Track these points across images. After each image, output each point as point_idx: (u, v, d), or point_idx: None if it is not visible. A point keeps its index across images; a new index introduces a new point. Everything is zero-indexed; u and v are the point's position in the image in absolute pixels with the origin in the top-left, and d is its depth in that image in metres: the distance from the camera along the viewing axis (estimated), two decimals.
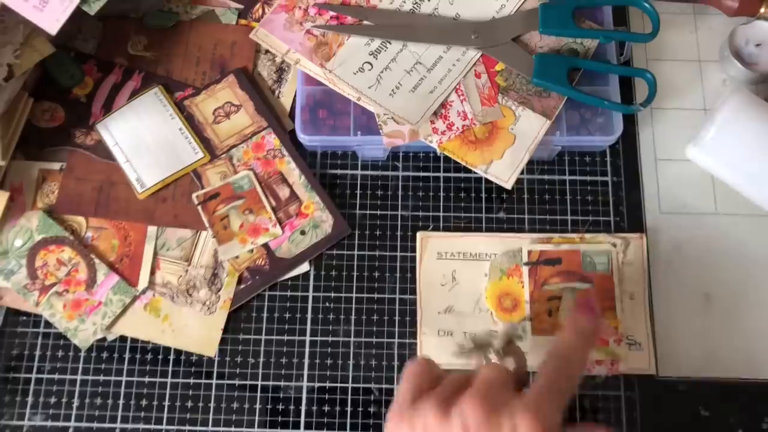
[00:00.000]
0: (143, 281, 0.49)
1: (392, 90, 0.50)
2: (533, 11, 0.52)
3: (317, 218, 0.50)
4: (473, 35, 0.51)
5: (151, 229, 0.50)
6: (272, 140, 0.52)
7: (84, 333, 0.48)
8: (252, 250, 0.50)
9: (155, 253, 0.50)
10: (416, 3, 0.53)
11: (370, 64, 0.51)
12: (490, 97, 0.50)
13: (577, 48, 0.51)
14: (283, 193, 0.51)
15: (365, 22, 0.52)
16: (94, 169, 0.51)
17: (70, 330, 0.48)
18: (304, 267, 0.50)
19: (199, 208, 0.50)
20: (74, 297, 0.48)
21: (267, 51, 0.54)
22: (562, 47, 0.52)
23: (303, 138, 0.51)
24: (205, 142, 0.52)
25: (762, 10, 0.53)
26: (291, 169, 0.51)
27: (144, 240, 0.50)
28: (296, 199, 0.51)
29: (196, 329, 0.48)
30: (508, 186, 0.49)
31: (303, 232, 0.50)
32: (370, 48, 0.51)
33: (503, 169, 0.49)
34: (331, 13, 0.52)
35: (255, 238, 0.50)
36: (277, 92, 0.54)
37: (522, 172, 0.50)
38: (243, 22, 0.55)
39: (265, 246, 0.50)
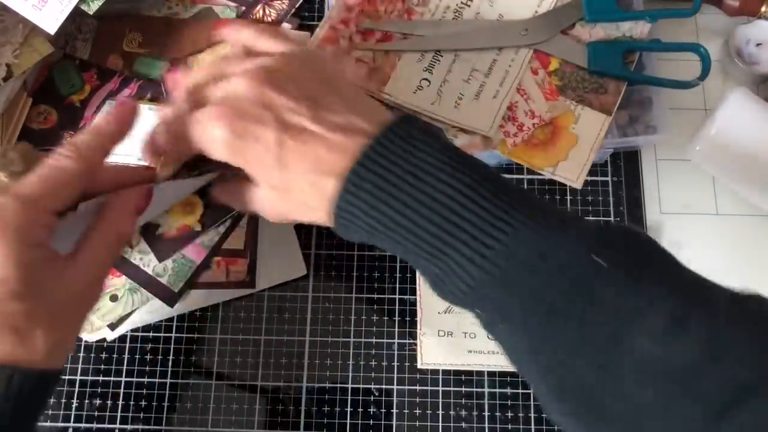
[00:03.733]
0: None
1: (455, 102, 0.49)
2: (576, 2, 0.51)
3: None
4: (522, 32, 0.50)
5: None
6: None
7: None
8: None
9: None
10: (457, 11, 0.52)
11: (428, 80, 0.49)
12: (552, 91, 0.50)
13: (627, 38, 0.51)
14: None
15: (414, 36, 0.50)
16: None
17: None
18: (302, 270, 0.50)
19: None
20: None
21: None
22: (613, 40, 0.51)
23: None
24: None
25: (763, 9, 0.53)
26: None
27: None
28: None
29: None
30: (578, 186, 0.48)
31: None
32: (423, 64, 0.50)
33: (570, 169, 0.48)
34: (377, 36, 0.51)
35: None
36: None
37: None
38: None
39: None
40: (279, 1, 0.55)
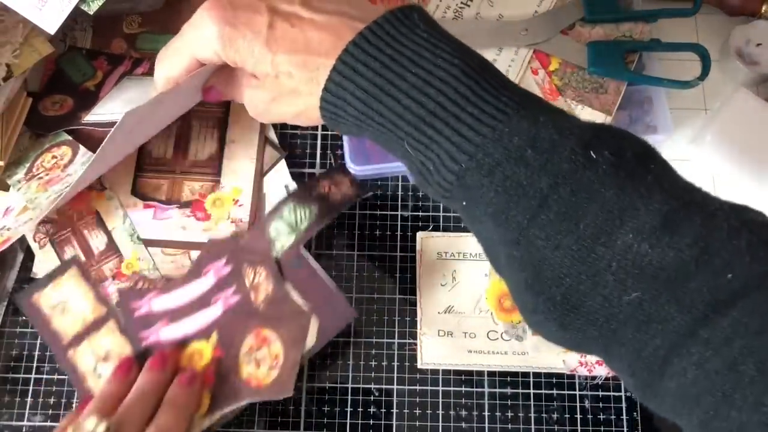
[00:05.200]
0: None
1: None
2: (575, 1, 0.51)
3: None
4: (522, 32, 0.50)
5: None
6: None
7: (40, 200, 0.47)
8: None
9: None
10: (457, 11, 0.52)
11: None
12: (552, 91, 0.50)
13: (627, 38, 0.51)
14: None
15: None
16: (95, 132, 0.51)
17: (30, 199, 0.47)
18: None
19: None
20: (50, 177, 0.48)
21: None
22: (613, 40, 0.51)
23: (354, 169, 0.50)
24: None
25: (763, 9, 0.53)
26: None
27: None
28: None
29: None
30: None
31: None
32: None
33: None
34: None
35: None
36: None
37: None
38: None
39: None
40: None
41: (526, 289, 0.31)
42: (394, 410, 0.47)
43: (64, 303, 0.47)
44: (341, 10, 0.35)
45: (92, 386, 0.45)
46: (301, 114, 0.37)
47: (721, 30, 0.55)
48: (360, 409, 0.47)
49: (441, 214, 0.52)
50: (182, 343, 0.46)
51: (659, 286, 0.27)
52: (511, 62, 0.50)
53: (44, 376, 0.48)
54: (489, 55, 0.50)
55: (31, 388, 0.48)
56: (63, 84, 0.53)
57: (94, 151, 0.48)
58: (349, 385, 0.48)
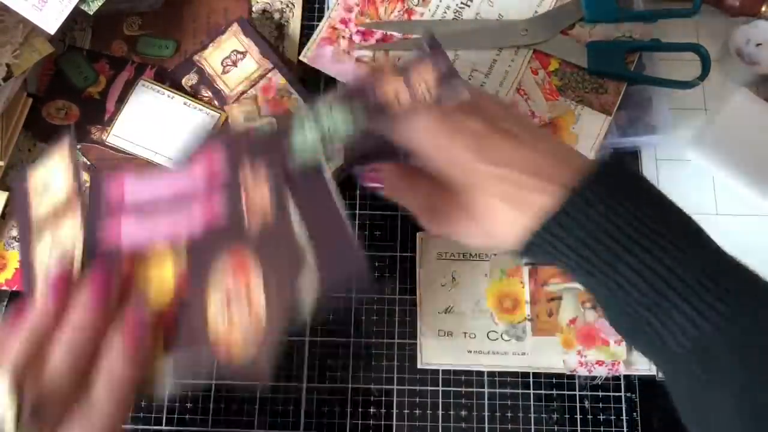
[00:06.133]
0: None
1: None
2: (575, 2, 0.51)
3: None
4: (522, 32, 0.50)
5: None
6: (279, 80, 0.52)
7: None
8: None
9: None
10: (457, 11, 0.52)
11: None
12: (552, 91, 0.50)
13: (627, 38, 0.51)
14: None
15: (413, 37, 0.51)
16: (109, 155, 0.52)
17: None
18: None
19: None
20: None
21: (264, 11, 0.56)
22: (613, 40, 0.51)
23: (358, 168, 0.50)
24: (217, 94, 0.52)
25: (763, 9, 0.53)
26: (300, 107, 0.51)
27: None
28: None
29: None
30: None
31: None
32: None
33: None
34: (377, 36, 0.51)
35: None
36: (280, 47, 0.55)
37: None
38: None
39: None
40: None
41: None
42: (394, 410, 0.47)
43: (47, 182, 0.37)
44: (557, 149, 0.35)
45: (40, 289, 0.34)
46: (491, 235, 0.36)
47: (721, 30, 0.55)
48: (360, 409, 0.47)
49: None
50: (142, 253, 0.35)
51: None
52: (511, 62, 0.50)
53: None
54: (488, 55, 0.50)
55: None
56: (64, 87, 0.53)
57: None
58: (349, 385, 0.48)
